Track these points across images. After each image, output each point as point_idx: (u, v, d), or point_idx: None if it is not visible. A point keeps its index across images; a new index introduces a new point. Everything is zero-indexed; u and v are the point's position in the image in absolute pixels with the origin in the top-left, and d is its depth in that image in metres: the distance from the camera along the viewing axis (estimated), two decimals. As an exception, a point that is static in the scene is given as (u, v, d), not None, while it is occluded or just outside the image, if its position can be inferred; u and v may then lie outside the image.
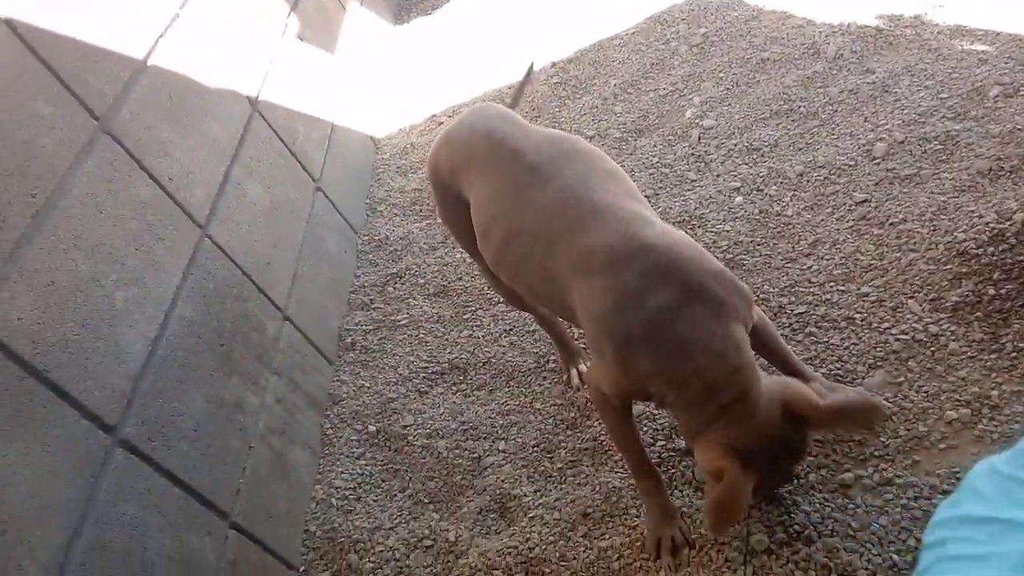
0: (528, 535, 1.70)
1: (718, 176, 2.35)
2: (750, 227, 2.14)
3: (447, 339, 2.28)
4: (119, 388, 1.46)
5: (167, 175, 1.76)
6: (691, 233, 2.16)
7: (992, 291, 1.68)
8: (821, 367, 1.73)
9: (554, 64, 3.23)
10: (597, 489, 1.73)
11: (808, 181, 2.18)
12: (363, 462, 2.03)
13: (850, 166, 2.16)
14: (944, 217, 1.89)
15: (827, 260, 1.95)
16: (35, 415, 1.28)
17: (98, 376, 1.42)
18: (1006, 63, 2.21)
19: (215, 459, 1.67)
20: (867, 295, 1.82)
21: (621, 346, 1.35)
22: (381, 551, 1.80)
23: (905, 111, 2.23)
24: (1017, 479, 0.85)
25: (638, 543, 1.59)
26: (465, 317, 2.33)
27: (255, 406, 1.86)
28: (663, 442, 1.76)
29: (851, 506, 1.47)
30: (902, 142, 2.14)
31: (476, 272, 2.39)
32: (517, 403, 2.02)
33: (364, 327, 2.42)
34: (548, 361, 2.08)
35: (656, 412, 1.82)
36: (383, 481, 1.97)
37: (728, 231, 2.15)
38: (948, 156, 2.04)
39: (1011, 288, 1.67)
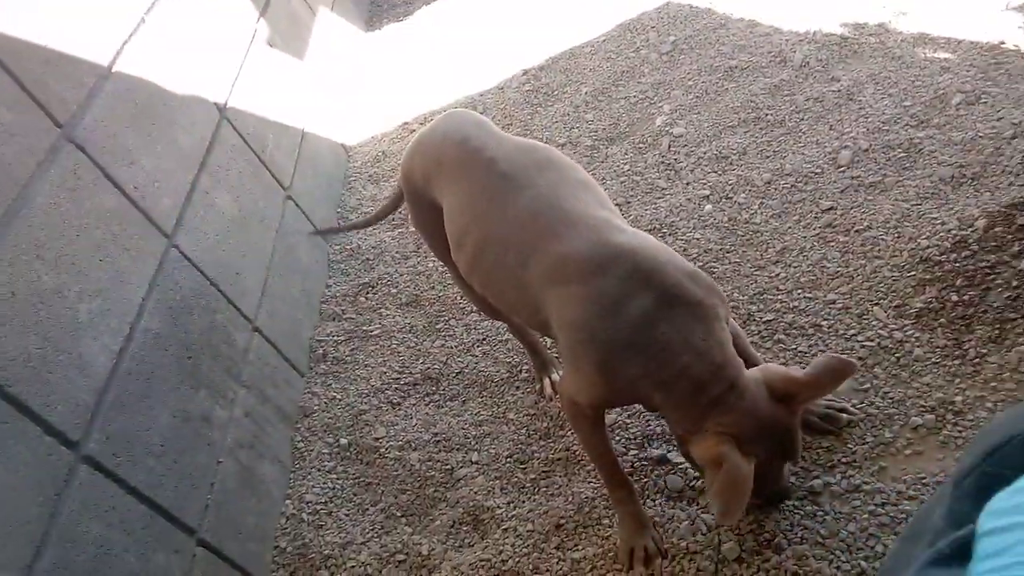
0: (501, 547, 1.69)
1: (688, 184, 2.37)
2: (719, 235, 2.15)
3: (420, 349, 2.27)
4: (83, 403, 1.43)
5: (132, 184, 1.73)
6: (662, 241, 2.17)
7: (955, 297, 1.71)
8: (790, 374, 1.74)
9: (525, 71, 3.24)
10: (570, 500, 1.72)
11: (776, 189, 2.21)
12: (334, 476, 2.01)
13: (816, 174, 2.19)
14: (908, 224, 1.92)
15: (794, 267, 1.97)
16: (-6, 433, 1.25)
17: (61, 391, 1.39)
18: (968, 71, 2.25)
19: (182, 474, 1.64)
20: (833, 302, 1.84)
21: (605, 353, 1.36)
22: (353, 566, 1.78)
23: (869, 119, 2.27)
24: None
25: (611, 553, 1.59)
26: (438, 327, 2.32)
27: (223, 420, 1.83)
28: (635, 451, 1.77)
29: (820, 513, 1.49)
30: (867, 150, 2.18)
31: (449, 281, 2.38)
32: (490, 413, 2.01)
33: (336, 338, 2.40)
34: (521, 371, 2.08)
35: (628, 421, 1.83)
36: (355, 495, 1.95)
37: (698, 239, 2.17)
38: (911, 164, 2.08)
39: (973, 294, 1.70)
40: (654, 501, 1.66)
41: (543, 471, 1.82)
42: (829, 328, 1.80)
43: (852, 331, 1.76)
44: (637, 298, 1.33)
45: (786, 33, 2.77)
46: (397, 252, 2.64)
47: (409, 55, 3.75)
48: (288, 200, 2.52)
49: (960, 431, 1.52)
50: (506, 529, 1.73)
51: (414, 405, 2.12)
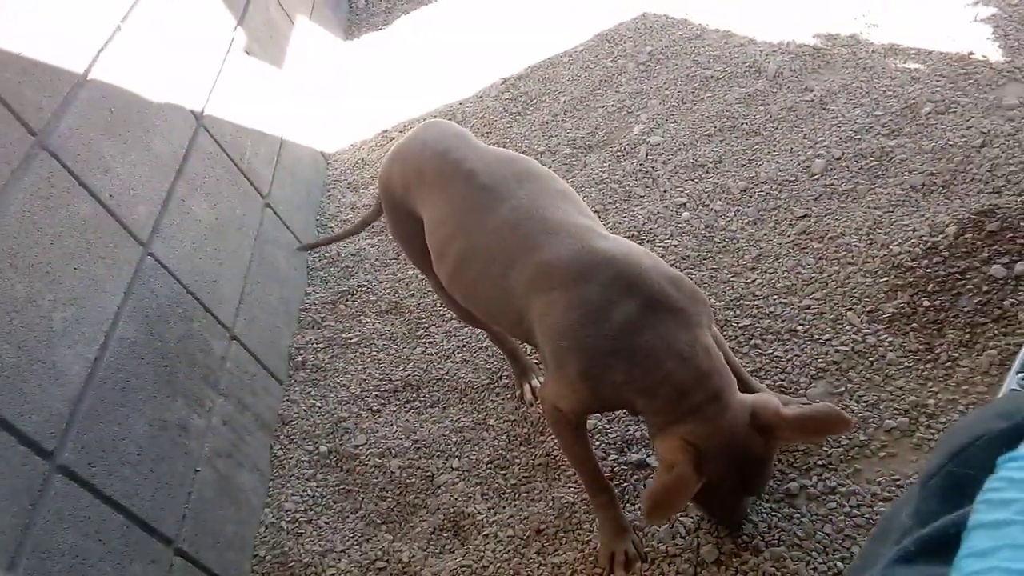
0: (482, 553, 1.69)
1: (665, 192, 2.40)
2: (696, 242, 2.18)
3: (399, 356, 2.26)
4: (57, 412, 1.41)
5: (108, 191, 1.72)
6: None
7: (927, 302, 1.75)
8: (766, 379, 1.77)
9: (504, 80, 3.26)
10: (551, 505, 1.73)
11: (751, 196, 2.24)
12: (314, 483, 2.00)
13: (791, 182, 2.22)
14: (880, 231, 1.96)
15: (770, 274, 2.00)
16: (-34, 443, 1.23)
17: (35, 400, 1.37)
18: (937, 81, 2.30)
19: (159, 484, 1.62)
20: (808, 307, 1.87)
21: (588, 359, 1.36)
22: (333, 574, 1.77)
23: (842, 128, 2.31)
24: None
25: (591, 558, 1.60)
26: (418, 334, 2.32)
27: (201, 428, 1.82)
28: (615, 456, 1.78)
29: (797, 515, 1.51)
30: (839, 158, 2.22)
31: (428, 288, 2.38)
32: (471, 420, 2.01)
33: (315, 345, 2.39)
34: (501, 377, 2.09)
35: (608, 426, 1.84)
36: (335, 502, 1.94)
37: (676, 246, 2.19)
38: (883, 172, 2.12)
39: (944, 299, 1.74)
40: (634, 505, 1.67)
41: (524, 477, 1.83)
42: (804, 333, 1.82)
43: (827, 336, 1.79)
44: (621, 304, 1.33)
45: (760, 44, 2.82)
46: (376, 260, 2.64)
47: (388, 63, 3.75)
48: (267, 208, 2.51)
49: (933, 433, 1.54)
50: (487, 535, 1.73)
51: (394, 412, 2.11)
